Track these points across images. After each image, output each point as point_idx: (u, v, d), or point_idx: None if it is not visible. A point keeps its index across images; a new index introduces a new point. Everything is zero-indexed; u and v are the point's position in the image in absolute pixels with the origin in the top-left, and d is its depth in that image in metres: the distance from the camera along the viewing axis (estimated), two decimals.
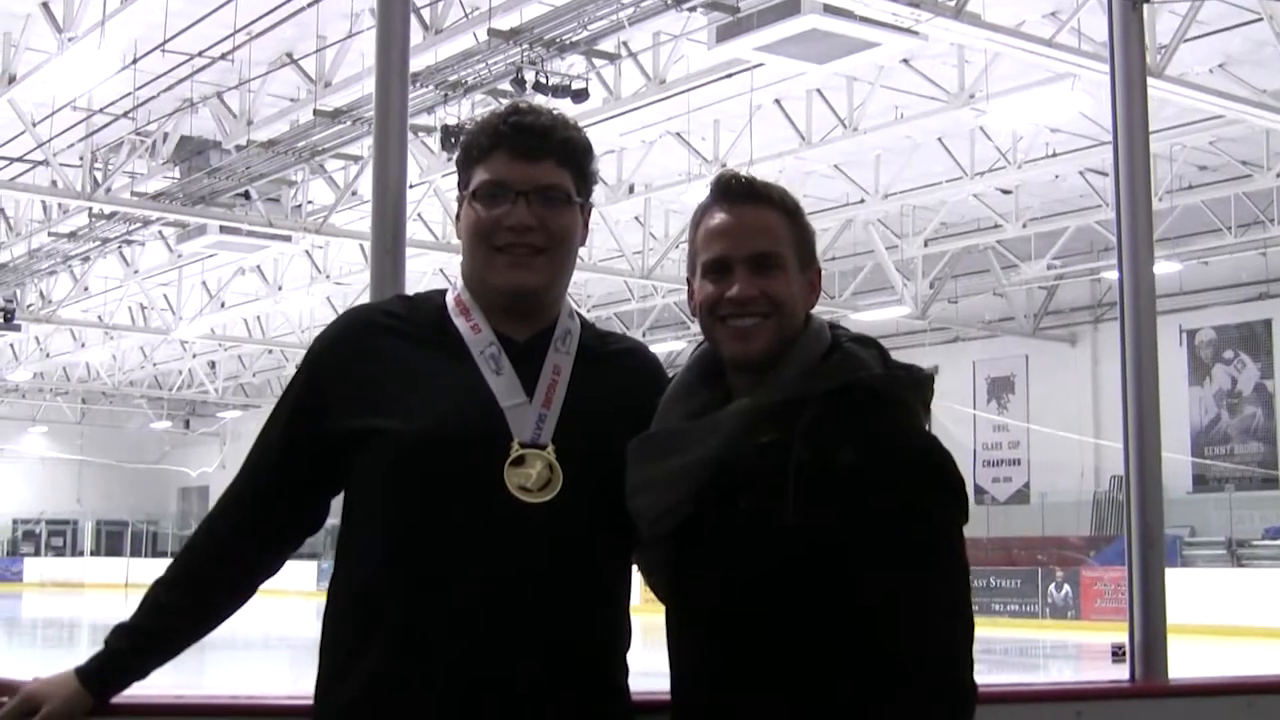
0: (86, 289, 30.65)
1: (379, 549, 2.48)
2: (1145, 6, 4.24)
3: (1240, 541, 27.89)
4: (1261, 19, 16.19)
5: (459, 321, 2.60)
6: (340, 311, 2.73)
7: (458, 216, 2.64)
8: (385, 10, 3.46)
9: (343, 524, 2.58)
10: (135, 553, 51.25)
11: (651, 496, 2.50)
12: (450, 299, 2.65)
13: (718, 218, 2.56)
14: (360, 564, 2.51)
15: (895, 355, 2.57)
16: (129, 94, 19.59)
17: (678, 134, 21.95)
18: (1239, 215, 25.25)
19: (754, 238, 2.53)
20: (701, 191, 2.64)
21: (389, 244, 3.31)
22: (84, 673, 2.53)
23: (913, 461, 2.43)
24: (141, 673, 2.58)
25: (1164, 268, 24.90)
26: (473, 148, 2.61)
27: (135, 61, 17.57)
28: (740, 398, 2.52)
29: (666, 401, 2.59)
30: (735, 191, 2.57)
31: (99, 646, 2.58)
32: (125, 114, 20.80)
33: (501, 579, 2.42)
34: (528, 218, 2.55)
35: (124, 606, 2.61)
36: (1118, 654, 3.77)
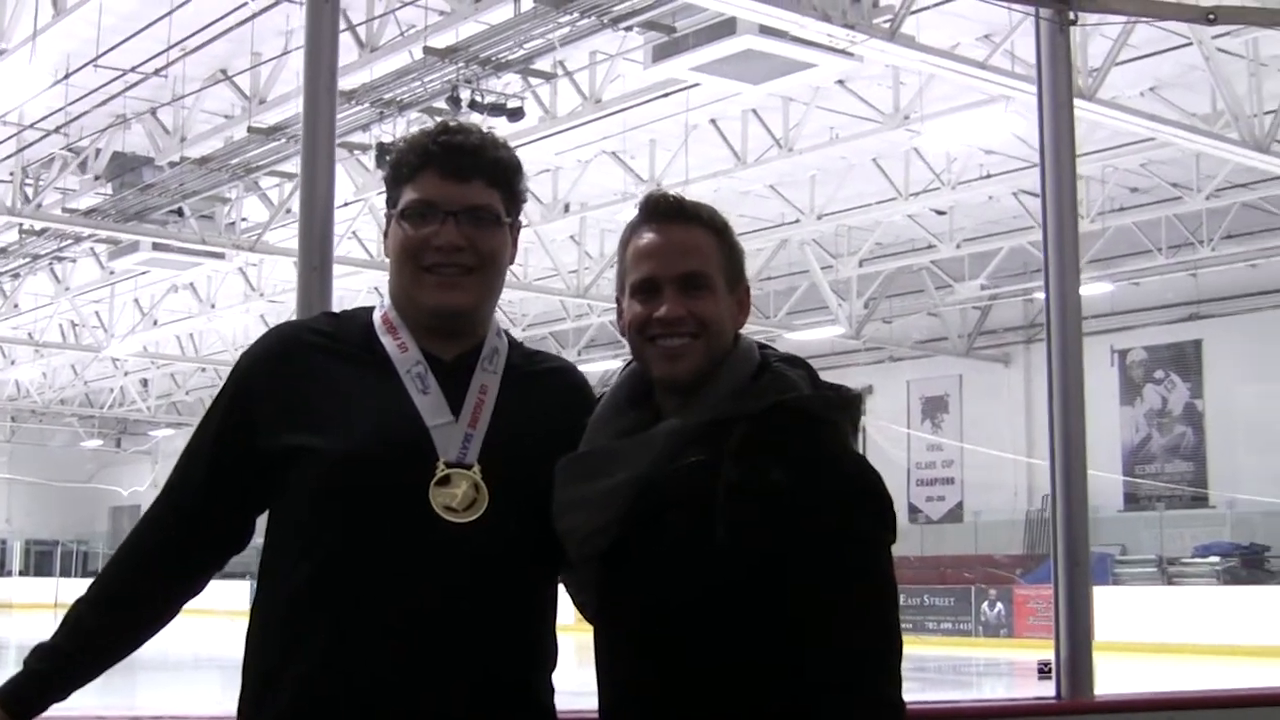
0: (16, 306, 30.27)
1: (303, 568, 2.45)
2: (1076, 30, 4.29)
3: (1171, 559, 28.08)
4: (1191, 44, 16.34)
5: (386, 340, 2.58)
6: None
7: (385, 234, 2.63)
8: (314, 28, 3.44)
9: (266, 543, 2.55)
10: (65, 573, 50.37)
11: (581, 516, 2.49)
12: (377, 317, 2.63)
13: (646, 238, 2.56)
14: (284, 583, 2.48)
15: (829, 375, 2.58)
16: (61, 109, 19.39)
17: (613, 153, 21.95)
18: (1170, 237, 25.45)
19: (682, 257, 2.53)
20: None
21: (316, 261, 3.30)
22: (2, 694, 2.49)
23: (842, 483, 2.43)
24: (62, 694, 2.54)
25: (1096, 288, 25.13)
26: (402, 166, 2.60)
27: (67, 76, 17.39)
28: (669, 418, 2.52)
29: (595, 421, 2.59)
30: (663, 211, 2.57)
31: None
32: (57, 129, 20.56)
33: (427, 598, 2.40)
34: (457, 238, 2.54)
35: (53, 628, 2.57)
36: (1044, 671, 3.80)
